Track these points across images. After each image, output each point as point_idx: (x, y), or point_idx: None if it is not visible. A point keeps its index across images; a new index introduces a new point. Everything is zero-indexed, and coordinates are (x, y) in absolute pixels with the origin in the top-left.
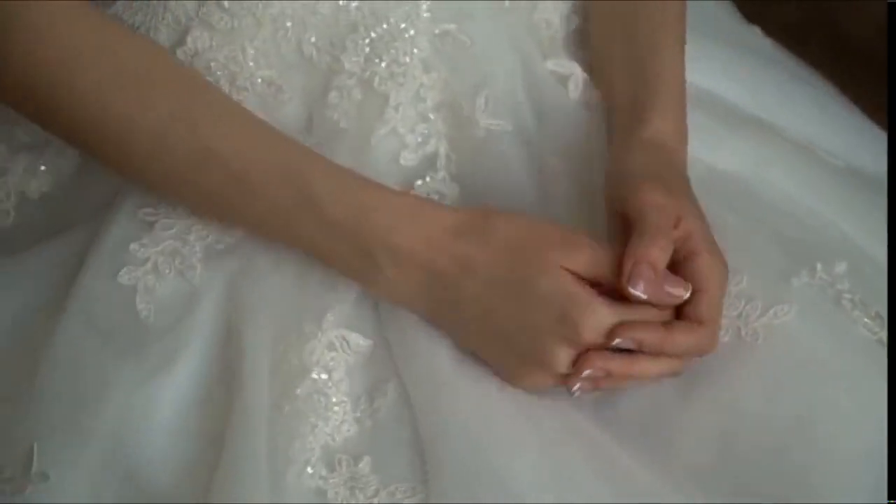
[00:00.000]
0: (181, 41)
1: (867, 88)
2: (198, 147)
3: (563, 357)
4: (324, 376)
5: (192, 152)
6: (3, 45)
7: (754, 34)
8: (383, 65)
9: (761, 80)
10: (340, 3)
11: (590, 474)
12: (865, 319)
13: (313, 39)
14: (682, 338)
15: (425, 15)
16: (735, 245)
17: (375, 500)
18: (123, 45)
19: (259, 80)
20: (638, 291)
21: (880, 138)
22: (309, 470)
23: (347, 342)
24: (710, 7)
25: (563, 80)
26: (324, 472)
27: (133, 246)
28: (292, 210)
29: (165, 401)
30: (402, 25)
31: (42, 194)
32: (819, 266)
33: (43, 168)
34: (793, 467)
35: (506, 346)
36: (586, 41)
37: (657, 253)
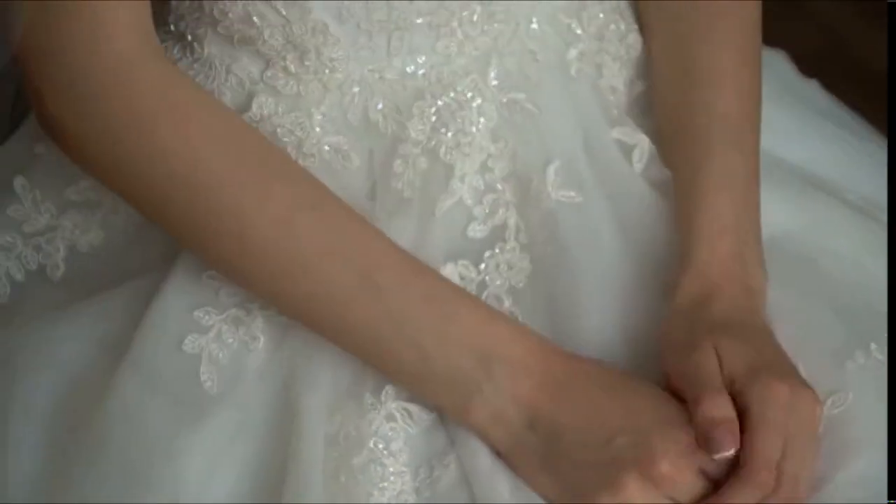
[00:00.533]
0: (247, 106)
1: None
2: (323, 240)
3: (632, 485)
4: (381, 446)
5: (318, 244)
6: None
7: (812, 88)
8: (449, 134)
9: (824, 140)
10: (408, 69)
11: None
12: None
13: (380, 106)
14: (733, 497)
15: (493, 83)
16: (791, 326)
17: None
18: (239, 127)
19: (326, 148)
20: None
21: None
22: None
23: (409, 413)
24: (766, 61)
25: (629, 150)
26: None
27: (197, 313)
28: (417, 312)
29: (223, 470)
30: (469, 94)
31: (92, 248)
32: (873, 346)
33: (96, 220)
34: None
35: (579, 473)
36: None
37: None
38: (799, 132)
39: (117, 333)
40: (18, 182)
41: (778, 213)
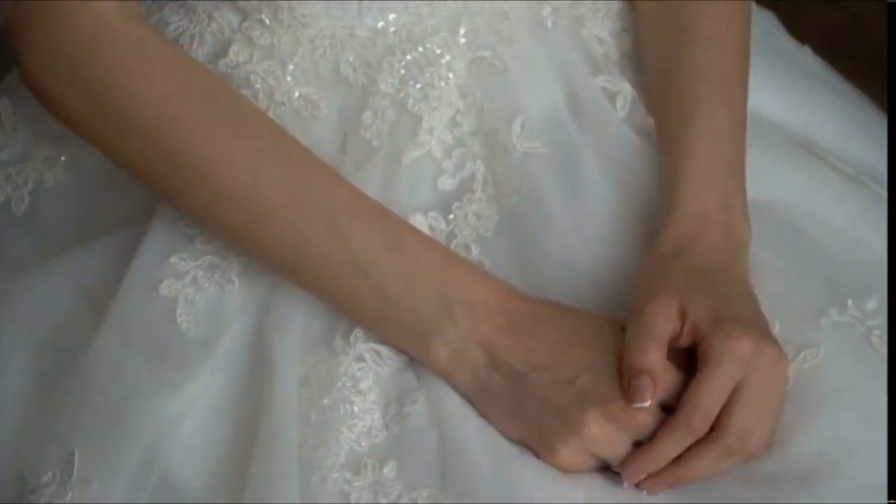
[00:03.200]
0: (224, 52)
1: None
2: (288, 188)
3: (592, 423)
4: (349, 385)
5: (283, 193)
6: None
7: (804, 53)
8: (418, 86)
9: (814, 104)
10: (378, 26)
11: (623, 498)
12: None
13: (351, 59)
14: (665, 442)
15: (462, 41)
16: (773, 285)
17: None
18: (209, 80)
19: (297, 95)
20: (640, 403)
21: None
22: (334, 475)
23: (379, 354)
24: (758, 22)
25: (613, 97)
26: (349, 476)
27: (173, 259)
28: (380, 257)
29: (199, 409)
30: (438, 51)
31: (58, 185)
32: (850, 302)
33: (63, 159)
34: (811, 500)
35: (541, 412)
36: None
37: (644, 361)
38: (790, 96)
39: (99, 283)
40: (3, 103)
41: (768, 176)
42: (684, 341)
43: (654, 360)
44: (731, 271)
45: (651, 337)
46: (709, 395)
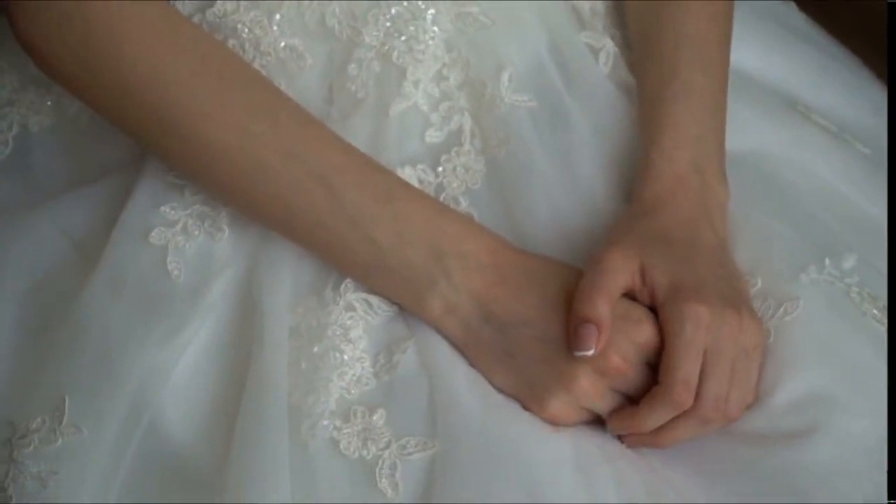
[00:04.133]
0: (211, 2)
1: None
2: (279, 144)
3: (583, 378)
4: (339, 333)
5: (274, 149)
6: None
7: (790, 9)
8: (402, 39)
9: (797, 61)
10: None
11: (607, 459)
12: (874, 311)
13: (336, 11)
14: (649, 415)
15: None
16: (751, 240)
17: (386, 452)
18: (202, 39)
19: (282, 46)
20: (583, 352)
21: None
22: (324, 422)
23: (369, 304)
24: None
25: (596, 52)
26: (338, 423)
27: (163, 208)
28: (371, 210)
29: (188, 357)
30: (423, 5)
31: (41, 129)
32: (827, 261)
33: (49, 104)
34: (797, 456)
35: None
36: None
37: (590, 310)
38: (773, 52)
39: (87, 232)
40: None
41: (751, 131)
42: (644, 300)
43: (600, 310)
44: (699, 236)
45: (599, 287)
46: (683, 365)
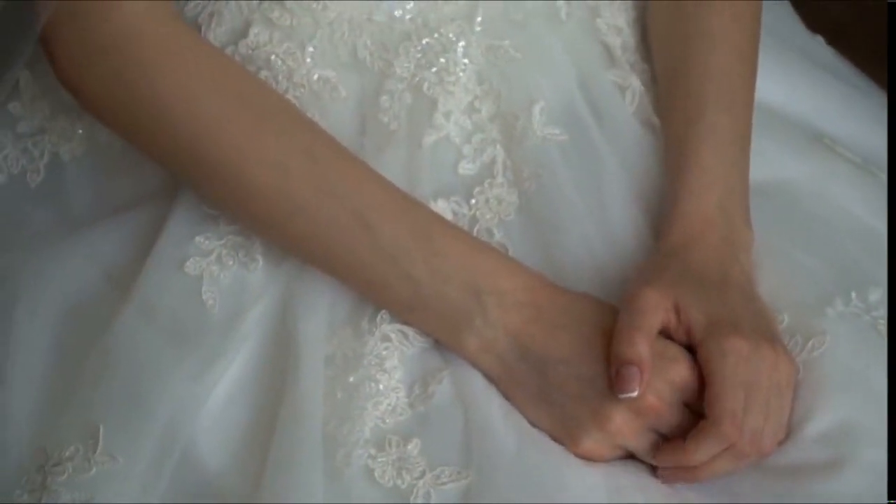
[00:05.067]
0: (244, 33)
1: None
2: (316, 182)
3: (618, 417)
4: (374, 363)
5: (312, 187)
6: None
7: (817, 43)
8: (433, 70)
9: (823, 94)
10: (396, 13)
11: (640, 490)
12: None
13: (368, 43)
14: (697, 449)
15: (477, 28)
16: (777, 272)
17: (421, 482)
18: (239, 75)
19: (315, 77)
20: (627, 394)
21: None
22: (359, 451)
23: (405, 335)
24: (771, 12)
25: (623, 91)
26: (373, 452)
27: (198, 238)
28: (408, 246)
29: (222, 388)
30: (453, 37)
31: (73, 157)
32: (853, 294)
33: (80, 132)
34: (828, 488)
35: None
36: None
37: (630, 351)
38: (799, 85)
39: (121, 262)
40: (24, 76)
41: (777, 163)
42: (680, 338)
43: (641, 351)
44: (729, 274)
45: (638, 327)
46: (729, 398)
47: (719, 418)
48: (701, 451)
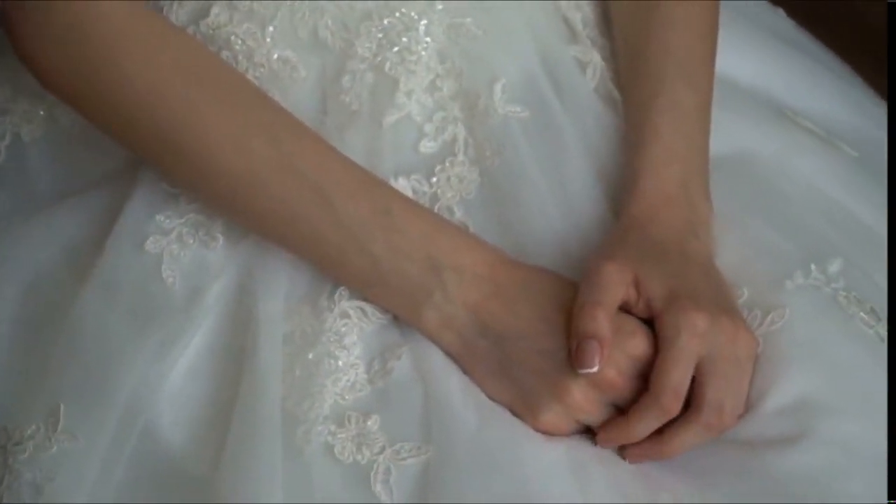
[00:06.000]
0: (205, 13)
1: (882, 72)
2: (278, 160)
3: (576, 391)
4: (333, 339)
5: (273, 165)
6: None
7: (778, 16)
8: (395, 50)
9: (784, 66)
10: None
11: (601, 464)
12: (861, 314)
13: (329, 23)
14: (638, 422)
15: (439, 7)
16: (738, 246)
17: (381, 457)
18: (201, 55)
19: (276, 57)
20: (587, 369)
21: None
22: (319, 428)
23: (364, 311)
24: None
25: (584, 66)
26: (333, 429)
27: (159, 217)
28: (368, 222)
29: (182, 366)
30: (415, 16)
31: (34, 139)
32: (813, 267)
33: (42, 114)
34: (790, 460)
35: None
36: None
37: (591, 326)
38: (761, 59)
39: (82, 242)
40: None
41: (739, 137)
42: (640, 312)
43: (601, 326)
44: (688, 248)
45: (599, 302)
46: (673, 372)
47: (659, 391)
48: (641, 424)
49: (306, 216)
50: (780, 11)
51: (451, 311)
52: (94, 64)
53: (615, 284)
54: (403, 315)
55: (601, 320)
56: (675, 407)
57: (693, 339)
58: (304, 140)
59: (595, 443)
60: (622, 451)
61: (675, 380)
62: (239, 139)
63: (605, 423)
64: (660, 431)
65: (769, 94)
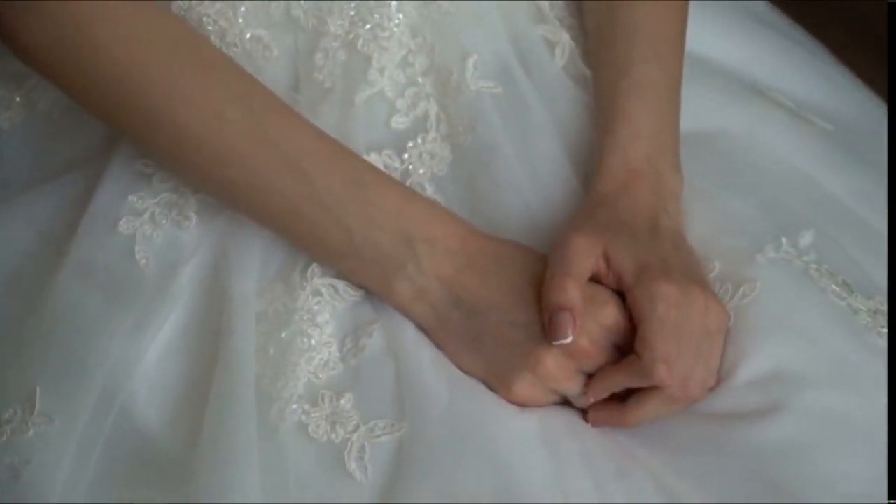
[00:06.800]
0: None
1: (867, 56)
2: (251, 130)
3: (550, 360)
4: (306, 318)
5: (247, 135)
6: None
7: None
8: (367, 27)
9: (756, 43)
10: None
11: (574, 435)
12: (833, 286)
13: (302, 2)
14: (616, 377)
15: None
16: (709, 220)
17: (355, 435)
18: (176, 26)
19: (248, 37)
20: (562, 340)
21: (872, 100)
22: (293, 406)
23: (336, 289)
24: None
25: (552, 46)
26: (307, 407)
27: (132, 198)
28: (341, 194)
29: (158, 344)
30: None
31: (12, 125)
32: (784, 240)
33: (18, 100)
34: (764, 431)
35: (498, 349)
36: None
37: (562, 297)
38: (732, 36)
39: (57, 224)
40: None
41: (709, 111)
42: (610, 284)
43: (572, 296)
44: (657, 223)
45: (569, 273)
46: (660, 343)
47: (651, 364)
48: (643, 407)
49: (280, 187)
50: None
51: (423, 283)
52: (69, 33)
53: (584, 255)
54: (376, 288)
55: (571, 290)
56: (669, 377)
57: (670, 309)
58: (277, 110)
59: (568, 412)
60: (586, 416)
61: (664, 350)
62: (215, 109)
63: (599, 405)
64: (623, 399)
65: (741, 71)
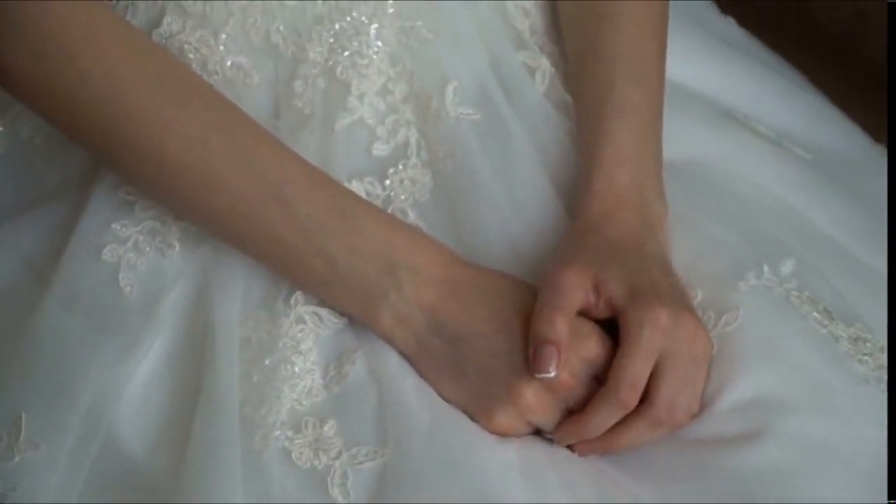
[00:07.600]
0: (157, 22)
1: (838, 77)
2: (234, 158)
3: (530, 393)
4: (290, 345)
5: (230, 163)
6: (53, 53)
7: (728, 24)
8: (346, 54)
9: (734, 72)
10: None
11: (554, 466)
12: (815, 314)
13: (281, 28)
14: (594, 416)
15: (390, 10)
16: (690, 247)
17: (338, 462)
18: (159, 55)
19: (229, 64)
20: (543, 374)
21: (850, 127)
22: (276, 433)
23: (319, 317)
24: None
25: (533, 72)
26: (290, 434)
27: (115, 226)
28: (324, 222)
29: (142, 372)
30: (365, 20)
31: None
32: (766, 267)
33: (1, 129)
34: (747, 458)
35: (480, 379)
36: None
37: (549, 331)
38: (710, 64)
39: (42, 252)
40: None
41: (689, 139)
42: (601, 314)
43: (560, 331)
44: (645, 248)
45: (558, 307)
46: (633, 366)
47: (617, 384)
48: (597, 418)
49: (263, 215)
50: (731, 20)
51: (405, 310)
52: (49, 61)
53: (574, 289)
54: (359, 315)
55: (560, 325)
56: (633, 400)
57: (655, 333)
58: (260, 139)
59: (549, 445)
60: (572, 447)
61: (634, 373)
62: (198, 136)
63: (562, 422)
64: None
65: (718, 99)
